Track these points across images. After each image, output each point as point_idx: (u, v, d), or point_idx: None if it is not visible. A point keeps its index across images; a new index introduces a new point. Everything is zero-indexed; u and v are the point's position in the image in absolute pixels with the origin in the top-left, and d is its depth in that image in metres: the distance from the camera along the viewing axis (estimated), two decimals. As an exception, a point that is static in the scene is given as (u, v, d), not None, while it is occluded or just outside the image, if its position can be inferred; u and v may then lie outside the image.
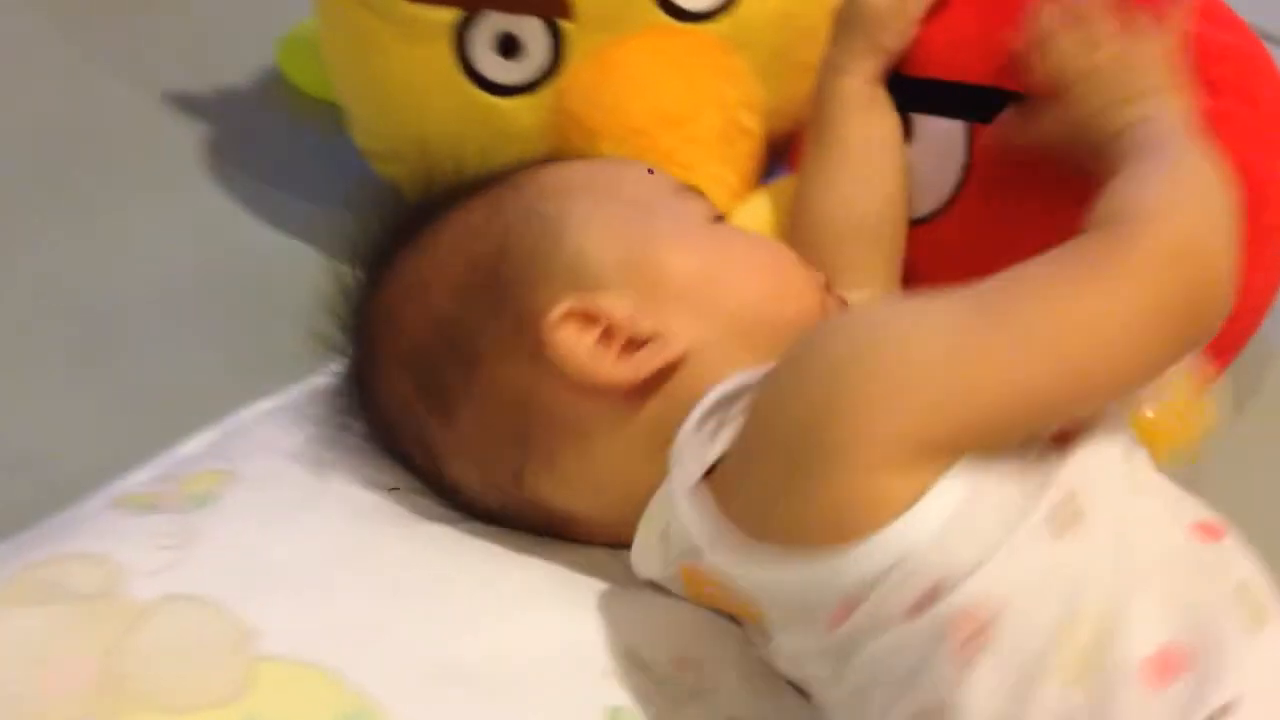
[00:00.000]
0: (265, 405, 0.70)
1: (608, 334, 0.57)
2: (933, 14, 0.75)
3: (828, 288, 0.63)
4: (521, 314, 0.58)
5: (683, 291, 0.58)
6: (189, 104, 1.03)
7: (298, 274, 0.87)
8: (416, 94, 0.81)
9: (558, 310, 0.57)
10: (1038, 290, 0.51)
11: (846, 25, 0.73)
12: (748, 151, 0.79)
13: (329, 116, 0.98)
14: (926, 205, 0.75)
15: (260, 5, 1.10)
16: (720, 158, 0.77)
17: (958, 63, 0.73)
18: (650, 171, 0.66)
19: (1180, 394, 0.68)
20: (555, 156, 0.69)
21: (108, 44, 1.10)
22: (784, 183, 0.79)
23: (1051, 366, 0.50)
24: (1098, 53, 0.63)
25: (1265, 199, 0.69)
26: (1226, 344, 0.73)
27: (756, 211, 0.78)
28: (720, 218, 0.65)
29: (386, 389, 0.63)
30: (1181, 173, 0.56)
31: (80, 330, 0.86)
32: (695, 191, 0.65)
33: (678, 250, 0.60)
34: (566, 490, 0.59)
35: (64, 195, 0.96)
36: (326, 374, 0.69)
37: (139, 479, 0.65)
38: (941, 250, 0.75)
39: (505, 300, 0.59)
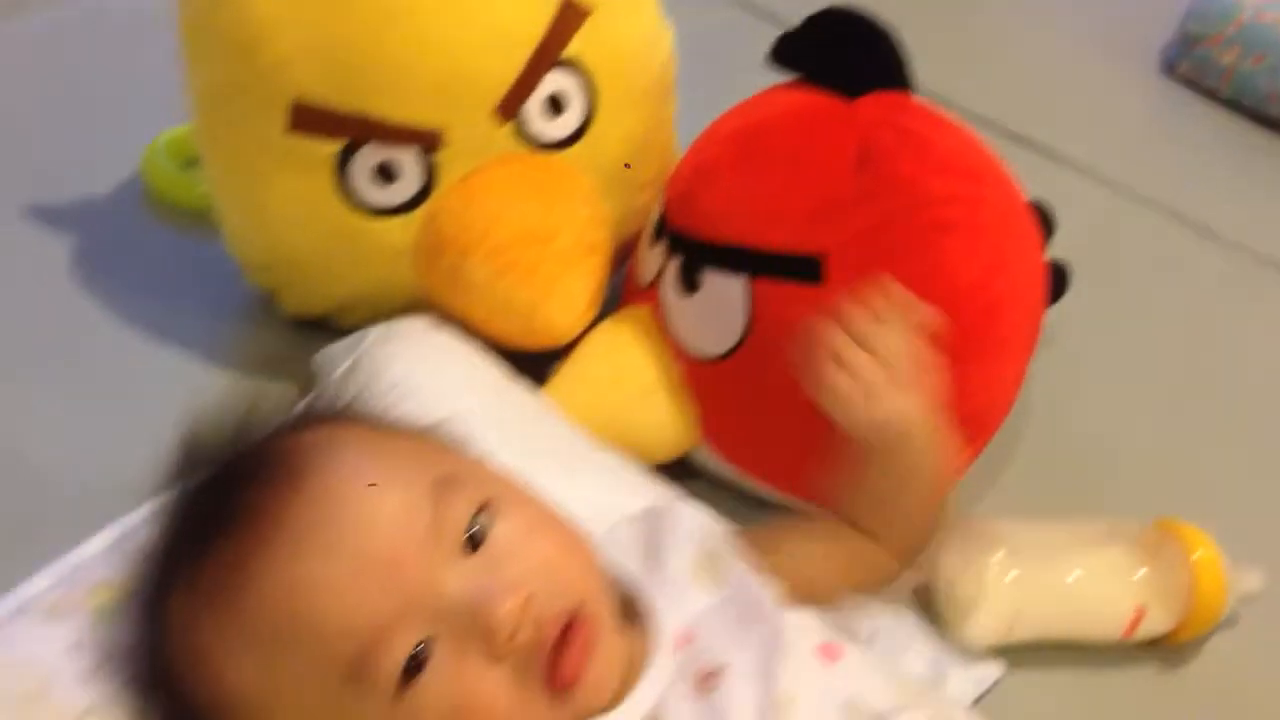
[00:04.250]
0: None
1: None
2: (710, 182, 0.86)
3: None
4: None
5: None
6: (54, 218, 1.08)
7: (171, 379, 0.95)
8: (296, 217, 0.89)
9: None
10: None
11: None
12: (599, 264, 0.89)
13: (192, 223, 1.06)
14: (709, 349, 0.85)
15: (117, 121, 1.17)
16: (576, 271, 0.88)
17: (735, 225, 0.83)
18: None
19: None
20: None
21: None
22: (625, 313, 0.90)
23: None
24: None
25: (996, 314, 0.83)
26: (977, 441, 0.88)
27: (611, 336, 0.89)
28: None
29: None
30: None
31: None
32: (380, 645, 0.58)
33: None
34: None
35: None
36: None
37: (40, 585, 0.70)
38: (725, 388, 0.86)
39: None
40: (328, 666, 0.57)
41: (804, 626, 0.67)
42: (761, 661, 0.63)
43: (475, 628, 0.58)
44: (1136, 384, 1.07)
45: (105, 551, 0.72)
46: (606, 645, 0.61)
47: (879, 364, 0.75)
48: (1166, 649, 0.85)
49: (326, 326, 0.95)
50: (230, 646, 0.59)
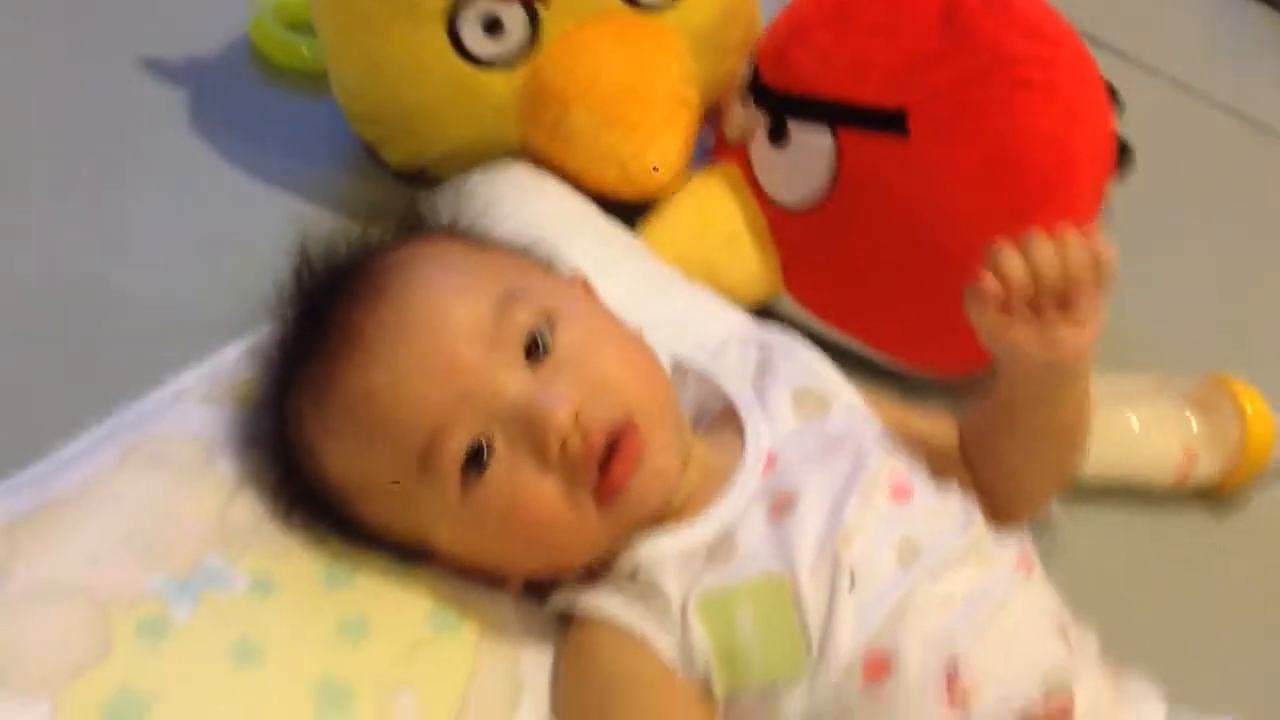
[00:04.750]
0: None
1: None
2: (802, 39, 0.91)
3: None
4: None
5: (487, 553, 0.66)
6: (169, 75, 1.14)
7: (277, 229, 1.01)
8: (409, 66, 0.95)
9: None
10: None
11: None
12: (690, 119, 0.95)
13: (297, 83, 1.12)
14: (796, 198, 0.91)
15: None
16: (671, 124, 0.93)
17: (824, 79, 0.88)
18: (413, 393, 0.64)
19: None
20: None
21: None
22: (715, 168, 0.96)
23: None
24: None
25: (1071, 168, 0.87)
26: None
27: (702, 186, 0.95)
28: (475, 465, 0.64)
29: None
30: None
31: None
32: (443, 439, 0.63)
33: (447, 545, 0.66)
34: None
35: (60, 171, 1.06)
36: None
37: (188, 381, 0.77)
38: (807, 239, 0.92)
39: None
40: (404, 458, 0.63)
41: (883, 463, 0.69)
42: (835, 494, 0.66)
43: (528, 433, 0.63)
44: (1192, 260, 1.12)
45: (240, 357, 0.78)
46: (656, 458, 0.64)
47: (1056, 294, 0.65)
48: (1214, 500, 0.91)
49: (426, 180, 1.01)
50: (329, 442, 0.65)
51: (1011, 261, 0.64)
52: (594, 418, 0.63)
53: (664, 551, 0.65)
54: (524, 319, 0.64)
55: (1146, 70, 1.33)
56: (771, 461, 0.68)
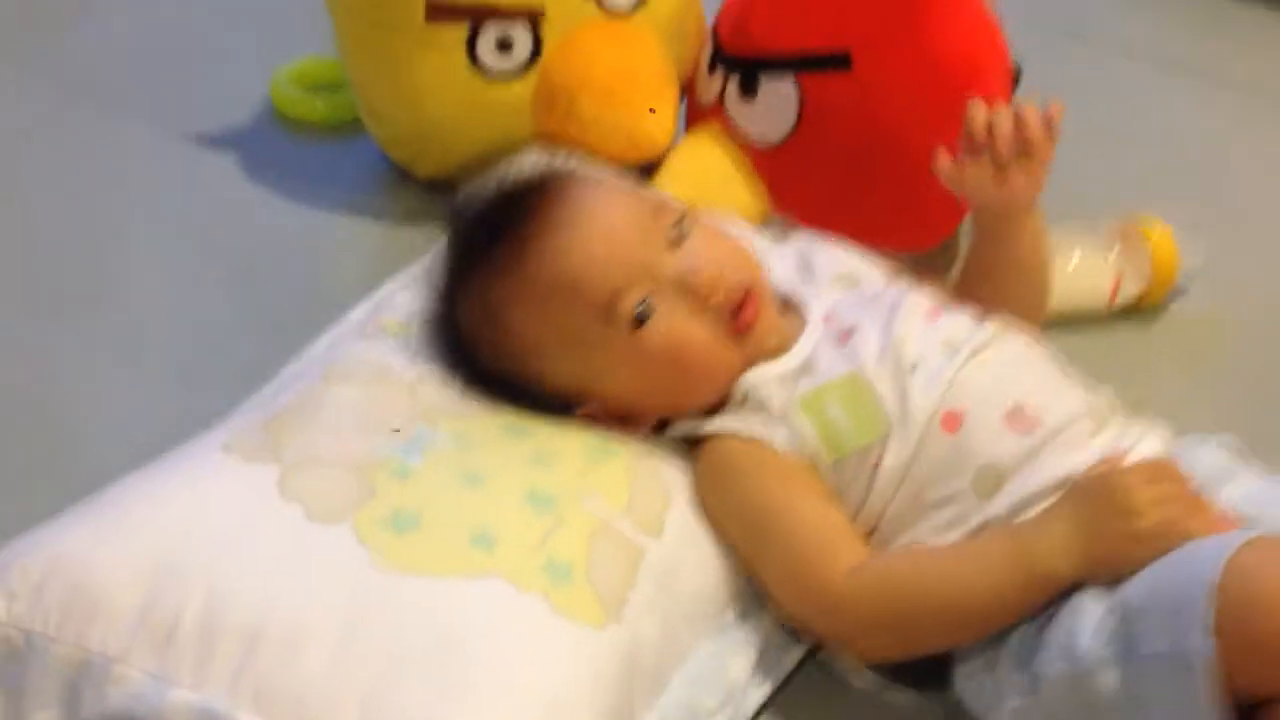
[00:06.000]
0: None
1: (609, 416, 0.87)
2: (753, 10, 1.13)
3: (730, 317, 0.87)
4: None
5: (634, 401, 0.87)
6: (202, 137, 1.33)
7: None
8: (436, 88, 1.16)
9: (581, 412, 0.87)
10: None
11: None
12: (673, 91, 1.17)
13: (317, 135, 1.32)
14: (771, 138, 1.14)
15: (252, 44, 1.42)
16: (659, 96, 1.15)
17: (780, 35, 1.11)
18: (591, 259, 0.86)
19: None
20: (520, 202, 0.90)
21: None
22: (698, 127, 1.18)
23: None
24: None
25: (980, 76, 1.10)
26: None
27: (692, 143, 1.17)
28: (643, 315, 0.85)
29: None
30: None
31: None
32: (630, 265, 0.85)
33: (612, 386, 0.87)
34: None
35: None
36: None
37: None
38: (785, 169, 1.14)
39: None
40: (585, 309, 0.85)
41: (915, 299, 0.92)
42: (883, 320, 0.90)
43: (685, 291, 0.85)
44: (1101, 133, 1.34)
45: (386, 298, 1.00)
46: (769, 311, 0.89)
47: (1008, 149, 0.89)
48: (1139, 314, 1.13)
49: (455, 188, 1.21)
50: (515, 308, 0.86)
51: (982, 118, 0.89)
52: (731, 279, 0.87)
53: (766, 376, 0.87)
54: (669, 217, 0.87)
55: None
56: (831, 317, 0.92)
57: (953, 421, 0.84)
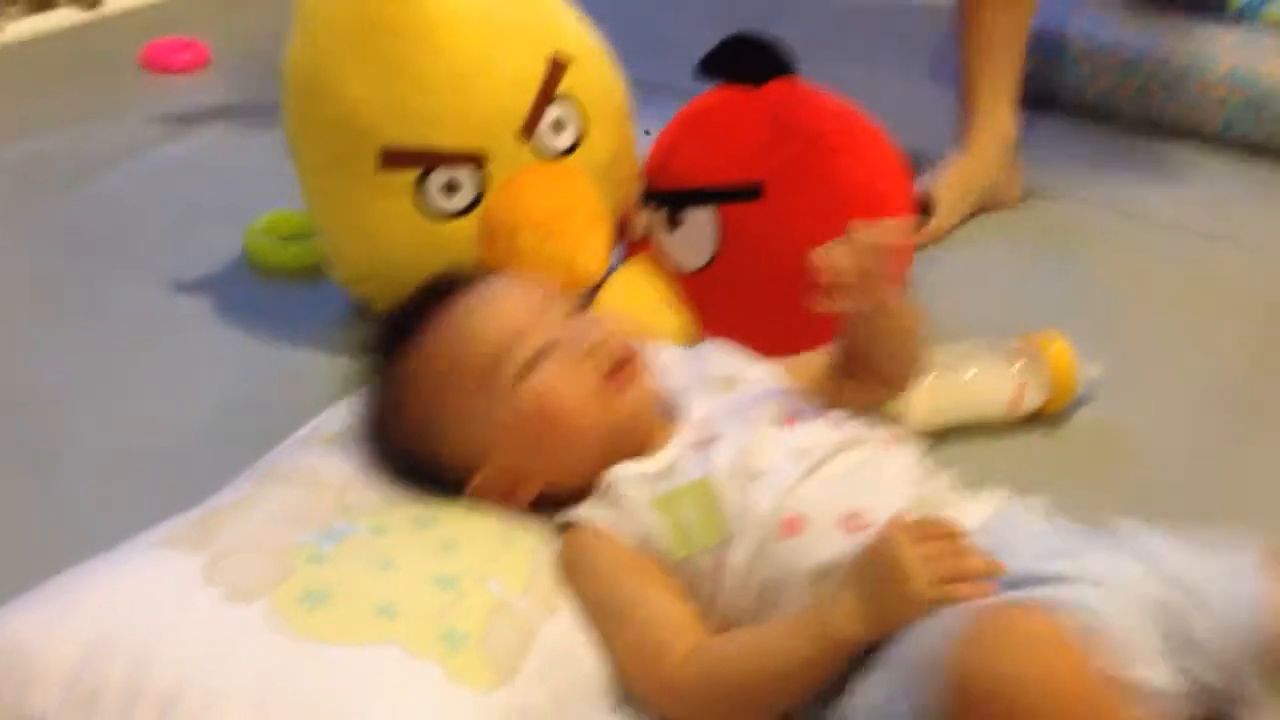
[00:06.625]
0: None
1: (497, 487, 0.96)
2: (675, 152, 1.25)
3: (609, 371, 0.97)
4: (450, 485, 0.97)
5: (520, 455, 0.96)
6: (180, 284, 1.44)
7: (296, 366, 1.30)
8: (390, 230, 1.27)
9: (468, 487, 0.97)
10: None
11: None
12: (607, 228, 1.28)
13: (289, 280, 1.43)
14: (694, 263, 1.24)
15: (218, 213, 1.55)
16: (593, 232, 1.26)
17: (700, 174, 1.23)
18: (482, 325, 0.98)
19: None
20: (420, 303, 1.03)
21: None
22: (631, 260, 1.28)
23: None
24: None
25: (883, 204, 1.21)
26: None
27: (626, 274, 1.27)
28: (538, 352, 0.96)
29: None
30: None
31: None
32: (514, 331, 0.96)
33: (500, 436, 0.95)
34: None
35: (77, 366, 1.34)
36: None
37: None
38: (708, 293, 1.25)
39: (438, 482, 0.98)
40: (473, 372, 0.95)
41: (776, 405, 1.00)
42: (742, 428, 0.97)
43: (568, 346, 0.96)
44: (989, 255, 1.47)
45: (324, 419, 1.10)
46: (646, 380, 0.99)
47: (860, 268, 0.93)
48: (1044, 422, 1.21)
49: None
50: (414, 380, 0.98)
51: (821, 262, 0.95)
52: (613, 344, 0.98)
53: (630, 472, 0.95)
54: (568, 302, 1.00)
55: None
56: (701, 423, 0.99)
57: (793, 526, 0.91)
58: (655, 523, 0.92)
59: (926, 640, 0.79)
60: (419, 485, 0.96)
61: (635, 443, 0.97)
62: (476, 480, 0.96)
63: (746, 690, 0.86)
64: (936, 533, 0.85)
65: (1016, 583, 0.83)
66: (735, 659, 0.87)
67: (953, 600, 0.81)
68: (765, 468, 0.93)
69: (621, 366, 0.96)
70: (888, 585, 0.83)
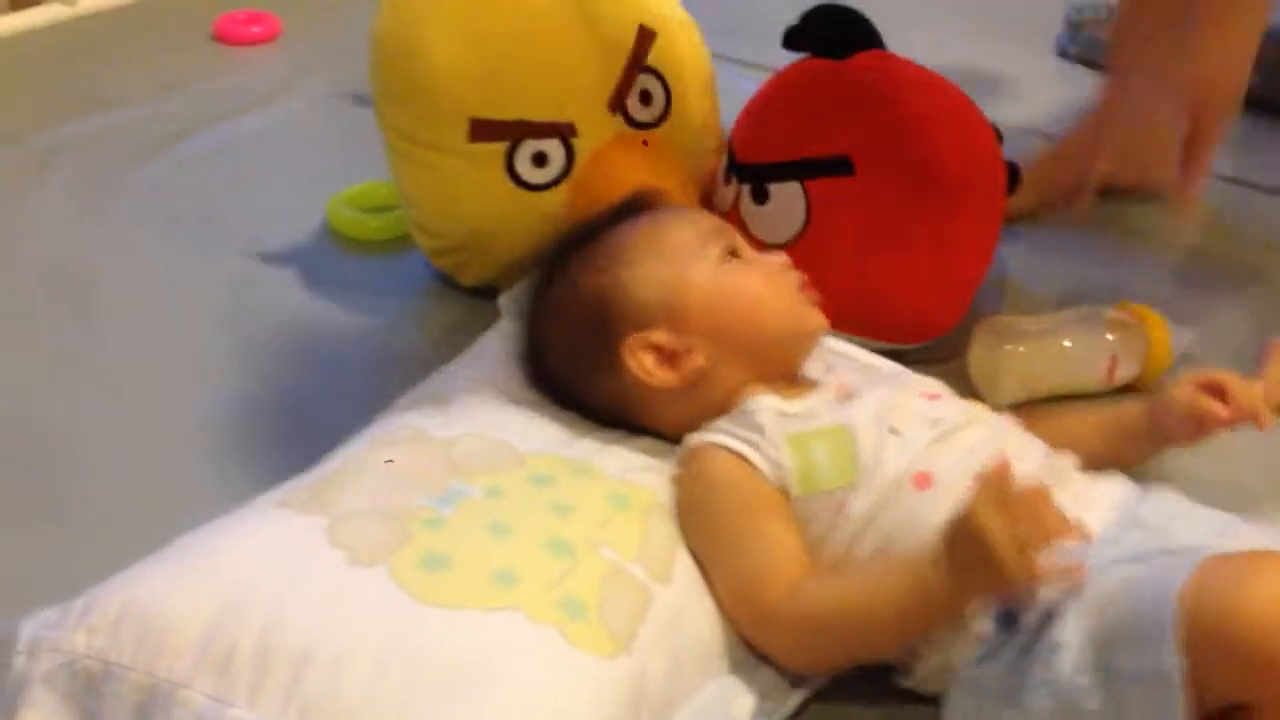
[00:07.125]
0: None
1: (659, 352, 1.01)
2: (763, 124, 1.25)
3: (802, 288, 1.05)
4: (607, 345, 1.02)
5: (700, 321, 1.01)
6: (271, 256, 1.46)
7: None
8: (479, 200, 1.28)
9: (626, 343, 1.01)
10: None
11: None
12: (692, 201, 1.28)
13: (370, 252, 1.45)
14: (781, 237, 1.24)
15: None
16: (685, 203, 1.26)
17: (787, 148, 1.23)
18: (687, 220, 1.08)
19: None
20: (623, 212, 1.12)
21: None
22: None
23: None
24: None
25: (974, 177, 1.21)
26: (979, 272, 1.25)
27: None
28: (734, 253, 1.05)
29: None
30: None
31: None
32: (718, 231, 1.06)
33: (696, 293, 1.02)
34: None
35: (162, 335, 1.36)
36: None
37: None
38: (797, 264, 1.23)
39: (599, 335, 1.03)
40: (685, 230, 1.06)
41: (921, 381, 1.05)
42: (884, 392, 1.00)
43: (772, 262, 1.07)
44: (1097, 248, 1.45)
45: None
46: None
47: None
48: (1136, 393, 1.20)
49: (496, 292, 1.32)
50: (615, 229, 1.08)
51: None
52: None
53: (770, 404, 0.98)
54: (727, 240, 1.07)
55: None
56: (841, 386, 1.02)
57: (924, 481, 0.93)
58: (784, 457, 0.94)
59: (1146, 599, 0.79)
60: (572, 340, 1.04)
61: (792, 366, 1.03)
62: (648, 333, 1.00)
63: (840, 631, 0.88)
64: (1019, 496, 0.84)
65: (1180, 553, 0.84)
66: (833, 599, 0.89)
67: (1038, 579, 0.82)
68: (902, 427, 0.96)
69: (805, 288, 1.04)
70: (976, 554, 0.82)
